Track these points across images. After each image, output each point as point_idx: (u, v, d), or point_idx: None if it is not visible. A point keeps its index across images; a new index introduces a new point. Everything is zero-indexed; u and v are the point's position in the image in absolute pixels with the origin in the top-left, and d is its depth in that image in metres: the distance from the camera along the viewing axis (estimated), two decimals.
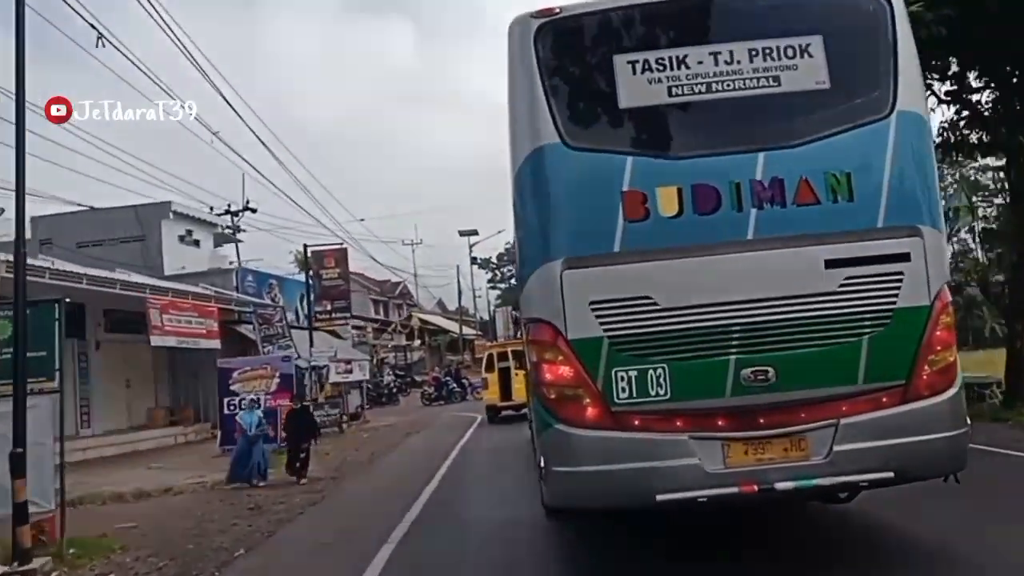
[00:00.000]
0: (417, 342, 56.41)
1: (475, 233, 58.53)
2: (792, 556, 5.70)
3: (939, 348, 4.67)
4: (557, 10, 5.04)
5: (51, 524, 7.82)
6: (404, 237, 56.62)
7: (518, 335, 20.57)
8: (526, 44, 5.00)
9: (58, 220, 26.95)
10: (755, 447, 4.64)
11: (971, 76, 13.79)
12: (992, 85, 13.81)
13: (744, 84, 4.78)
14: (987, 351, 25.44)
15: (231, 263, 29.83)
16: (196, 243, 30.40)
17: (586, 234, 4.78)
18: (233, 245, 33.49)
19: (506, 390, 22.46)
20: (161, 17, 14.36)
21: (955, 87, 13.95)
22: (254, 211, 34.50)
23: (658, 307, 4.65)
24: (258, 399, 16.89)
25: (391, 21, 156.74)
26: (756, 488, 4.54)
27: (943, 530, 5.89)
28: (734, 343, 4.59)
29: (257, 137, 19.14)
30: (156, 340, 17.63)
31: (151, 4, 13.71)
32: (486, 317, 61.14)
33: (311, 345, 24.00)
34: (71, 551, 7.79)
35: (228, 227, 34.50)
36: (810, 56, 4.77)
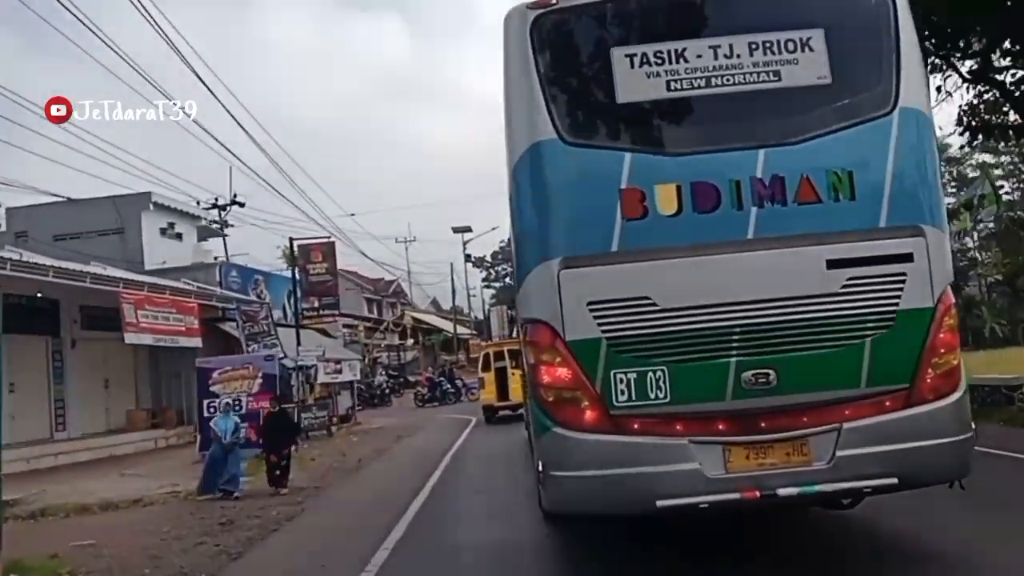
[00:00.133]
0: (410, 341, 55.67)
1: (469, 230, 57.86)
2: (794, 562, 5.66)
3: (943, 351, 4.62)
4: (554, 1, 4.96)
5: None
6: (397, 235, 55.95)
7: (513, 335, 20.68)
8: (522, 37, 4.93)
9: (34, 212, 26.23)
10: (757, 452, 4.59)
11: (995, 55, 13.02)
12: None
13: (744, 79, 4.72)
14: (987, 351, 24.96)
15: (216, 258, 28.89)
16: (178, 236, 29.61)
17: (584, 233, 4.73)
18: (218, 239, 32.75)
19: (503, 390, 22.45)
20: (146, 10, 13.60)
21: (978, 66, 13.20)
22: (242, 205, 33.87)
23: (657, 308, 4.59)
24: (237, 401, 16.02)
25: (382, 17, 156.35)
26: (758, 494, 4.48)
27: (967, 541, 5.66)
28: (735, 345, 4.55)
29: (236, 120, 18.33)
30: (130, 338, 16.72)
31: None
32: (481, 316, 60.33)
33: (298, 344, 23.06)
34: None
35: (215, 221, 33.59)
36: (811, 50, 4.71)
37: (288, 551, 8.03)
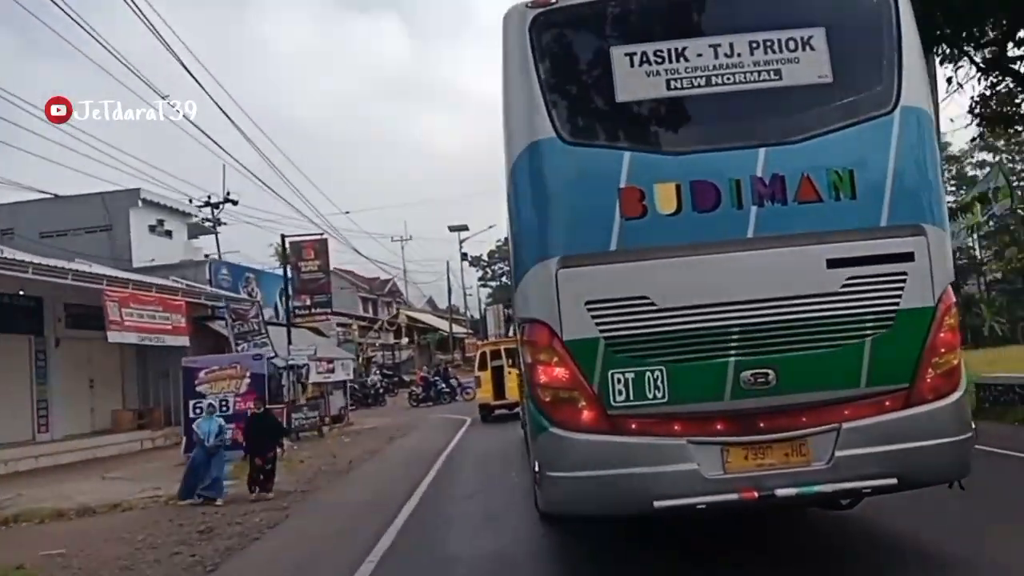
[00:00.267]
0: (405, 340, 55.21)
1: (465, 228, 57.73)
2: (793, 562, 5.67)
3: (943, 350, 4.63)
4: (553, 0, 4.96)
5: None
6: (393, 234, 55.56)
7: (510, 334, 20.66)
8: (521, 35, 4.93)
9: (19, 209, 25.77)
10: (755, 452, 4.59)
11: (1010, 44, 12.71)
12: None
13: (744, 78, 4.72)
14: (986, 350, 24.77)
15: (207, 256, 28.36)
16: (168, 234, 29.16)
17: (582, 232, 4.73)
18: (210, 237, 32.28)
19: (499, 389, 22.54)
20: (136, 4, 13.28)
21: (992, 55, 12.89)
22: (235, 203, 33.38)
23: (655, 307, 4.60)
24: (224, 402, 15.54)
25: (380, 17, 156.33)
26: (756, 494, 4.49)
27: (974, 543, 5.61)
28: (733, 345, 4.55)
29: (225, 114, 17.85)
30: (114, 336, 16.32)
31: None
32: (477, 316, 60.04)
33: (289, 343, 22.67)
34: None
35: (208, 219, 33.14)
36: (812, 49, 4.72)
37: (268, 562, 7.74)
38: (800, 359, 4.53)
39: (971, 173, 49.79)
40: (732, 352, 4.55)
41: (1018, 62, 13.62)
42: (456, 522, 8.48)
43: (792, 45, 4.74)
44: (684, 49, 4.77)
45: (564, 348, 4.67)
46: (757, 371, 4.53)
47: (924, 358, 4.59)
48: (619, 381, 4.59)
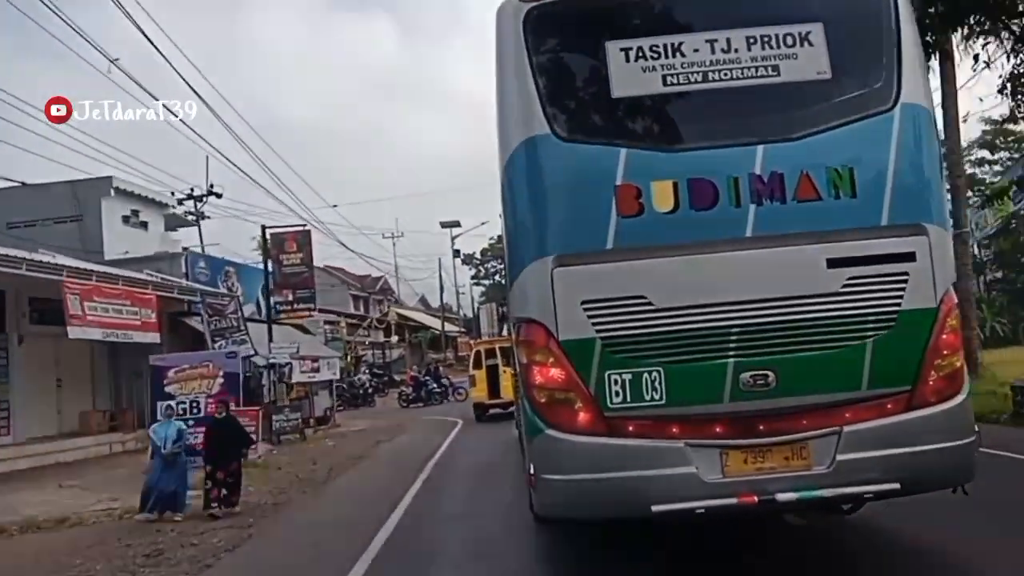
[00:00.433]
0: (395, 338, 54.12)
1: (457, 225, 56.73)
2: (791, 562, 5.74)
3: (946, 352, 4.62)
4: None
5: None
6: (385, 230, 54.66)
7: (503, 333, 20.61)
8: (514, 30, 4.89)
9: None
10: (755, 455, 4.57)
11: None
12: None
13: (742, 73, 4.70)
14: (989, 351, 24.25)
15: (185, 249, 27.11)
16: (143, 225, 28.06)
17: (578, 230, 4.71)
18: (190, 230, 31.12)
19: (494, 388, 22.55)
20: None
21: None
22: (219, 196, 32.24)
23: (653, 307, 4.58)
24: (196, 403, 14.34)
25: (372, 16, 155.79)
26: (756, 499, 4.47)
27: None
28: (732, 346, 4.53)
29: (202, 100, 16.60)
30: (75, 332, 15.21)
31: None
32: (470, 314, 59.18)
33: (270, 340, 21.48)
34: None
35: (191, 212, 31.98)
36: (811, 45, 4.70)
37: None
38: (800, 361, 4.50)
39: (969, 171, 49.16)
40: (731, 353, 4.52)
41: None
42: (440, 552, 7.34)
43: (790, 41, 4.70)
44: (680, 44, 4.73)
45: (560, 348, 4.63)
46: (756, 373, 4.50)
47: (926, 360, 4.56)
48: (616, 382, 4.56)
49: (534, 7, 4.89)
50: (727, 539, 6.08)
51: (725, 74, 4.69)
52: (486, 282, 75.29)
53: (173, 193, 31.17)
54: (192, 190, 32.12)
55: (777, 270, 4.56)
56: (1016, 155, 49.33)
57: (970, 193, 26.46)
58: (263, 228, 24.72)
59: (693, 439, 4.53)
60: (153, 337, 17.53)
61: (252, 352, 20.54)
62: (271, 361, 21.50)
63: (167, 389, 15.59)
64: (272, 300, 25.03)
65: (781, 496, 4.45)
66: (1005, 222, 23.12)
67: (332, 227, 53.14)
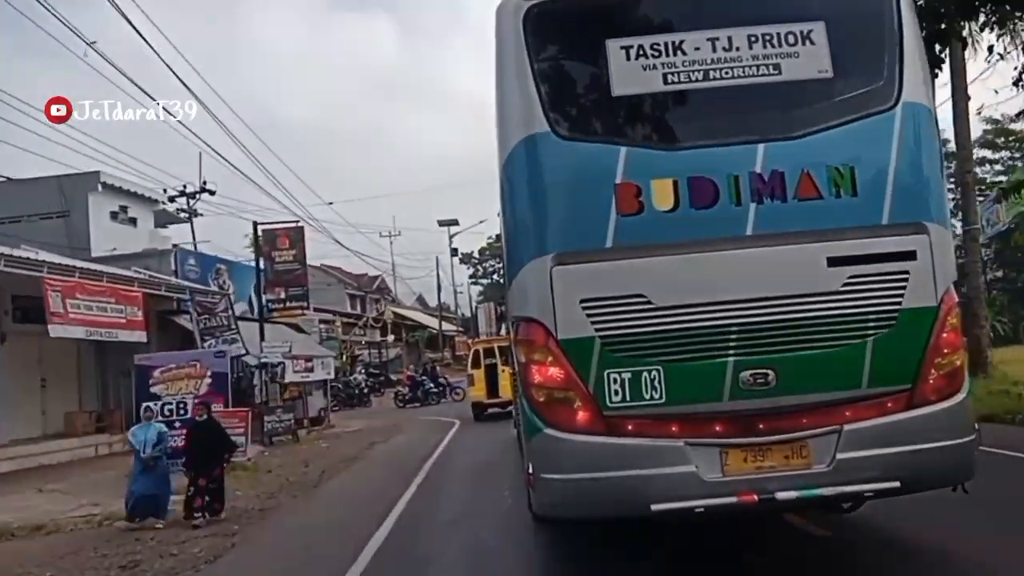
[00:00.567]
0: (391, 338, 53.69)
1: (455, 223, 56.34)
2: (791, 561, 5.78)
3: (946, 351, 4.66)
4: None
5: None
6: (382, 229, 54.38)
7: (502, 332, 20.90)
8: (514, 28, 4.92)
9: None
10: (755, 454, 4.60)
11: None
12: None
13: (743, 72, 4.74)
14: (991, 350, 23.68)
15: (174, 246, 26.63)
16: (132, 222, 27.64)
17: (577, 229, 4.74)
18: (180, 227, 30.63)
19: (492, 387, 22.65)
20: None
21: None
22: (212, 193, 31.86)
23: (652, 306, 4.60)
24: (183, 404, 13.95)
25: (372, 15, 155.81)
26: (756, 498, 4.49)
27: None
28: (732, 344, 4.55)
29: (191, 92, 16.29)
30: (56, 330, 14.79)
31: None
32: (468, 314, 58.85)
33: (262, 339, 21.03)
34: None
35: (183, 210, 31.57)
36: (812, 43, 4.74)
37: None
38: (800, 359, 4.53)
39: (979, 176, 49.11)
40: (731, 352, 4.55)
41: None
42: (436, 560, 7.04)
43: (792, 39, 4.73)
44: (681, 42, 4.75)
45: (559, 347, 4.65)
46: (756, 371, 4.54)
47: (927, 359, 4.60)
48: (615, 381, 4.58)
49: (534, 5, 4.91)
50: (727, 538, 6.12)
51: (726, 72, 4.72)
52: (484, 281, 75.15)
53: (165, 190, 30.85)
54: (185, 187, 31.82)
55: (777, 269, 4.59)
56: (1017, 154, 49.05)
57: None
58: (255, 224, 24.29)
59: (693, 438, 4.56)
60: (139, 336, 17.21)
61: (243, 351, 20.20)
62: (263, 361, 21.11)
63: (153, 389, 15.22)
64: (264, 298, 24.58)
65: (781, 495, 4.48)
66: (1020, 218, 22.62)
67: (328, 225, 52.72)
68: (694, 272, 4.59)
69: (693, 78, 4.74)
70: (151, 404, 11.18)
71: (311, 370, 24.58)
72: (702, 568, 5.80)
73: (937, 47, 10.83)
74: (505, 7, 4.99)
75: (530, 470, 5.00)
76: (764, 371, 4.51)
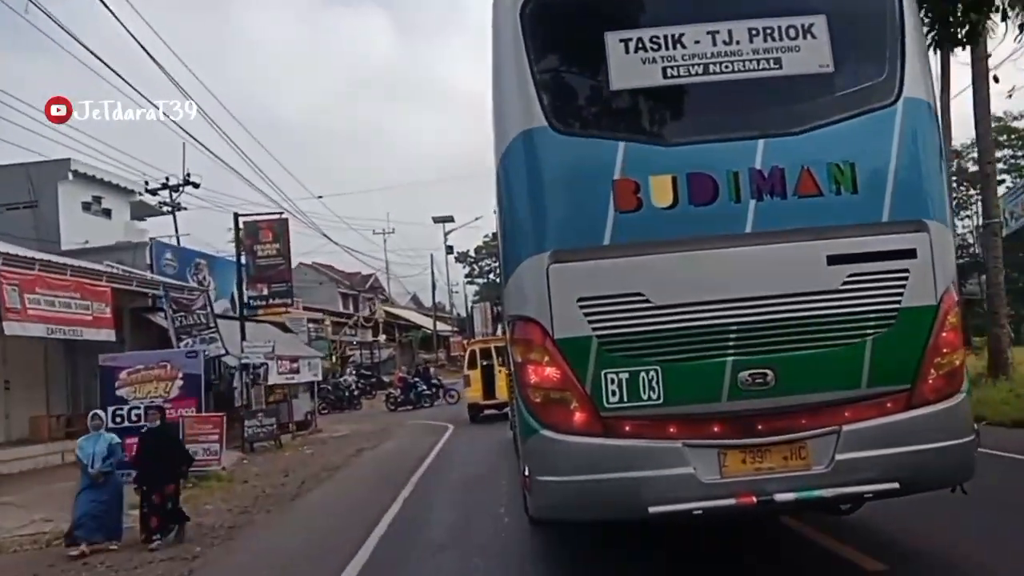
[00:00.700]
0: (383, 337, 52.86)
1: (451, 220, 55.58)
2: (789, 560, 5.86)
3: (946, 351, 4.69)
4: None
5: None
6: (376, 226, 53.67)
7: (498, 332, 20.73)
8: (512, 20, 4.90)
9: None
10: (753, 455, 4.63)
11: None
12: None
13: (743, 66, 4.75)
14: (1011, 350, 22.77)
15: (151, 239, 25.59)
16: (106, 213, 26.68)
17: (574, 226, 4.74)
18: (159, 220, 29.76)
19: (489, 388, 22.58)
20: None
21: None
22: (196, 186, 30.88)
23: (650, 304, 4.62)
24: (137, 409, 12.91)
25: (367, 12, 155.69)
26: (754, 500, 4.52)
27: None
28: (731, 344, 4.58)
29: (173, 80, 15.57)
30: (12, 328, 13.92)
31: None
32: (463, 314, 58.15)
33: (242, 338, 20.09)
34: None
35: (166, 203, 30.62)
36: (813, 37, 4.75)
37: None
38: (799, 359, 4.57)
39: (972, 168, 48.81)
40: (729, 351, 4.58)
41: None
42: None
43: (792, 33, 4.75)
44: (681, 36, 4.77)
45: (555, 347, 4.67)
46: (755, 371, 4.56)
47: (926, 358, 4.64)
48: (612, 381, 4.59)
49: None
50: (726, 539, 6.17)
51: (726, 66, 4.74)
52: (480, 280, 74.71)
53: (147, 183, 29.85)
54: (168, 179, 30.87)
55: (777, 267, 4.62)
56: (1020, 152, 48.77)
57: (972, 192, 25.29)
58: (235, 216, 23.18)
59: (691, 439, 4.59)
60: (107, 334, 16.24)
61: (223, 352, 19.28)
62: (244, 361, 20.15)
63: (119, 392, 14.36)
64: (246, 295, 23.55)
65: (780, 496, 4.51)
66: None
67: (319, 221, 51.81)
68: (693, 270, 4.62)
69: (693, 72, 4.75)
70: (99, 412, 9.92)
71: (297, 371, 23.96)
72: (702, 569, 5.83)
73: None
74: (503, 0, 5.01)
75: (526, 472, 5.03)
76: (763, 371, 4.54)
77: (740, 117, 4.83)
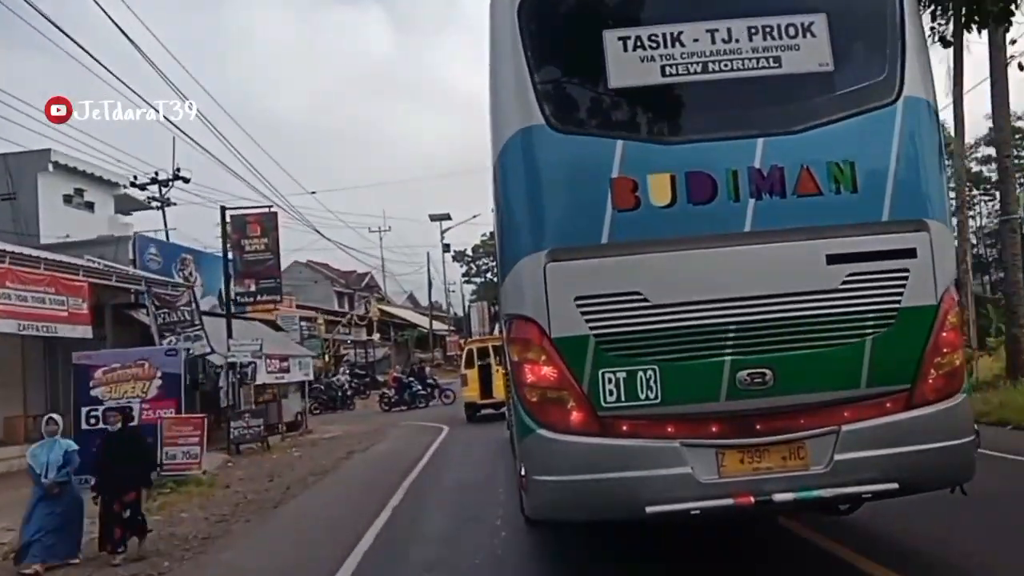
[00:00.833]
0: (377, 336, 52.29)
1: (448, 217, 55.17)
2: (792, 567, 5.84)
3: (946, 351, 4.75)
4: None
5: None
6: (372, 224, 53.17)
7: (495, 332, 20.98)
8: (509, 18, 4.95)
9: None
10: (751, 455, 4.67)
11: None
12: None
13: (743, 64, 4.80)
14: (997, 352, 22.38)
15: (135, 233, 24.93)
16: (89, 206, 25.95)
17: (572, 224, 4.79)
18: (146, 214, 29.31)
19: (486, 387, 22.69)
20: None
21: None
22: (186, 180, 30.34)
23: (648, 303, 4.66)
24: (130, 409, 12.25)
25: (364, 9, 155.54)
26: (752, 500, 4.57)
27: None
28: (729, 343, 4.63)
29: (160, 73, 15.26)
30: None
31: None
32: (460, 313, 57.71)
33: (229, 336, 19.47)
34: None
35: (155, 198, 30.08)
36: (813, 36, 4.80)
37: None
38: (798, 358, 4.61)
39: (975, 168, 48.50)
40: (728, 351, 4.62)
41: None
42: None
43: (792, 31, 4.79)
44: (680, 34, 4.80)
45: (552, 346, 4.71)
46: (754, 371, 4.59)
47: (926, 358, 4.69)
48: (610, 381, 4.62)
49: None
50: (726, 539, 6.22)
51: (725, 65, 4.78)
52: (477, 280, 74.30)
53: (136, 177, 29.24)
54: (157, 173, 30.60)
55: (776, 266, 4.66)
56: (1023, 152, 48.65)
57: (975, 192, 24.70)
58: (222, 209, 22.47)
59: (688, 439, 4.63)
60: (84, 331, 15.62)
61: (208, 350, 18.69)
62: (230, 360, 19.46)
63: (93, 392, 13.80)
64: (233, 291, 22.87)
65: (778, 497, 4.55)
66: None
67: (314, 220, 51.28)
68: (691, 269, 4.67)
69: (692, 70, 4.79)
70: (54, 415, 9.18)
71: (287, 370, 23.38)
72: (702, 569, 5.89)
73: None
74: None
75: (523, 472, 5.07)
76: (761, 370, 4.58)
77: (739, 116, 4.90)
